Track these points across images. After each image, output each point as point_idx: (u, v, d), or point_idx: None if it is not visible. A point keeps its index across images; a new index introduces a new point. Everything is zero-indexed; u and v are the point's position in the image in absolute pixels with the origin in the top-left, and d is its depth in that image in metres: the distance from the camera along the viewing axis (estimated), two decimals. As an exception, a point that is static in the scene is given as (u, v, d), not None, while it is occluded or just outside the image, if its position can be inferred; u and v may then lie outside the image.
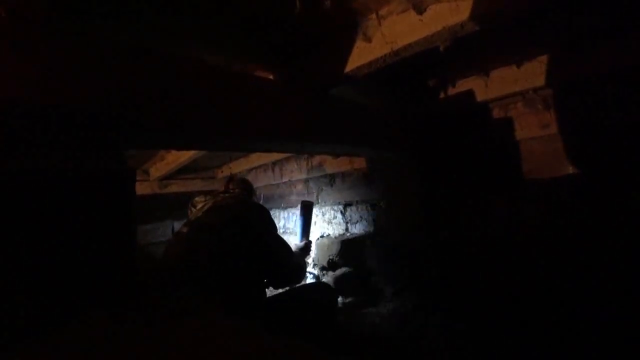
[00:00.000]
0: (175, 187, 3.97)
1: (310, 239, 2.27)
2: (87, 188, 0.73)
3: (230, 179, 2.04)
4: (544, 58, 1.83)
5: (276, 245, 1.64)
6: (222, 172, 4.22)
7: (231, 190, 1.87)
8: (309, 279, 2.69)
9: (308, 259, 2.25)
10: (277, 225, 1.77)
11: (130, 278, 0.74)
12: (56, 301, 0.68)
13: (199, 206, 1.67)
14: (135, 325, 0.63)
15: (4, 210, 0.65)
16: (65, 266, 0.69)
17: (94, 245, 0.72)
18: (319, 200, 3.38)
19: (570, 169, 1.94)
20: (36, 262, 0.66)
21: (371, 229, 2.88)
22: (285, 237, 1.83)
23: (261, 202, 2.16)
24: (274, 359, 0.48)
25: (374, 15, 1.40)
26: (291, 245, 1.96)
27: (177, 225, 4.01)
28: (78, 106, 0.91)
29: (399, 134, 2.28)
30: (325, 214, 3.22)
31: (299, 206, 2.24)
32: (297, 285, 1.85)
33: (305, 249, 2.16)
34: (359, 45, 1.46)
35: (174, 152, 3.05)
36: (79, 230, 0.71)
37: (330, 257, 2.82)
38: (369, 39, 1.42)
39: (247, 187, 1.98)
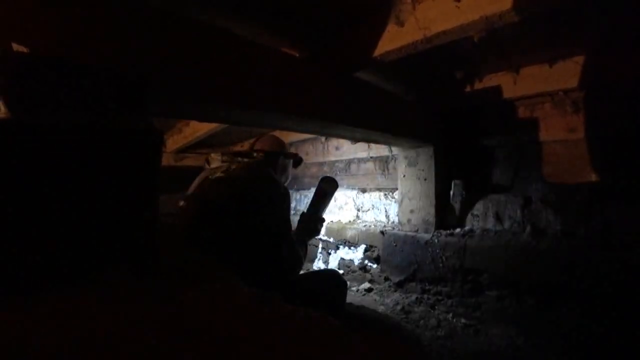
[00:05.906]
0: (190, 161, 4.00)
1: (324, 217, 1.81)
2: (113, 146, 0.73)
3: (259, 137, 1.74)
4: (580, 58, 1.75)
5: (276, 229, 1.44)
6: (240, 147, 4.23)
7: (254, 154, 1.61)
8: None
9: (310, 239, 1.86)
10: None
11: (152, 240, 0.76)
12: (78, 255, 0.69)
13: (214, 164, 1.56)
14: (155, 286, 0.64)
15: (32, 163, 0.66)
16: (87, 221, 0.70)
17: (117, 203, 0.73)
18: (332, 185, 3.37)
19: (594, 177, 1.89)
20: (59, 215, 0.67)
21: (382, 217, 2.87)
22: (295, 219, 1.73)
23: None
24: (296, 325, 0.48)
25: (409, -1, 1.37)
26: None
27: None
28: (107, 63, 0.92)
29: (420, 124, 2.24)
30: (337, 199, 3.22)
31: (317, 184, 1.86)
32: (307, 271, 1.77)
33: (313, 224, 1.74)
34: (391, 29, 1.43)
35: (192, 125, 3.07)
36: (103, 186, 0.72)
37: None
38: (401, 23, 1.39)
39: (274, 149, 1.67)
